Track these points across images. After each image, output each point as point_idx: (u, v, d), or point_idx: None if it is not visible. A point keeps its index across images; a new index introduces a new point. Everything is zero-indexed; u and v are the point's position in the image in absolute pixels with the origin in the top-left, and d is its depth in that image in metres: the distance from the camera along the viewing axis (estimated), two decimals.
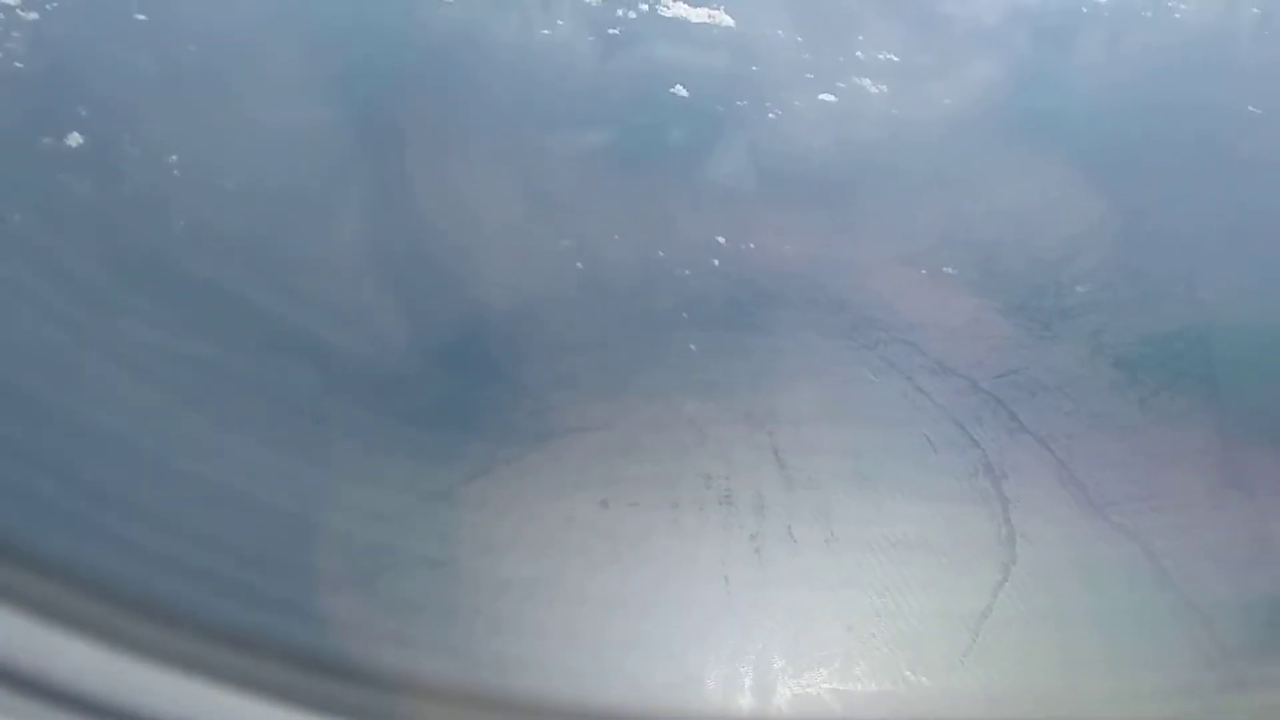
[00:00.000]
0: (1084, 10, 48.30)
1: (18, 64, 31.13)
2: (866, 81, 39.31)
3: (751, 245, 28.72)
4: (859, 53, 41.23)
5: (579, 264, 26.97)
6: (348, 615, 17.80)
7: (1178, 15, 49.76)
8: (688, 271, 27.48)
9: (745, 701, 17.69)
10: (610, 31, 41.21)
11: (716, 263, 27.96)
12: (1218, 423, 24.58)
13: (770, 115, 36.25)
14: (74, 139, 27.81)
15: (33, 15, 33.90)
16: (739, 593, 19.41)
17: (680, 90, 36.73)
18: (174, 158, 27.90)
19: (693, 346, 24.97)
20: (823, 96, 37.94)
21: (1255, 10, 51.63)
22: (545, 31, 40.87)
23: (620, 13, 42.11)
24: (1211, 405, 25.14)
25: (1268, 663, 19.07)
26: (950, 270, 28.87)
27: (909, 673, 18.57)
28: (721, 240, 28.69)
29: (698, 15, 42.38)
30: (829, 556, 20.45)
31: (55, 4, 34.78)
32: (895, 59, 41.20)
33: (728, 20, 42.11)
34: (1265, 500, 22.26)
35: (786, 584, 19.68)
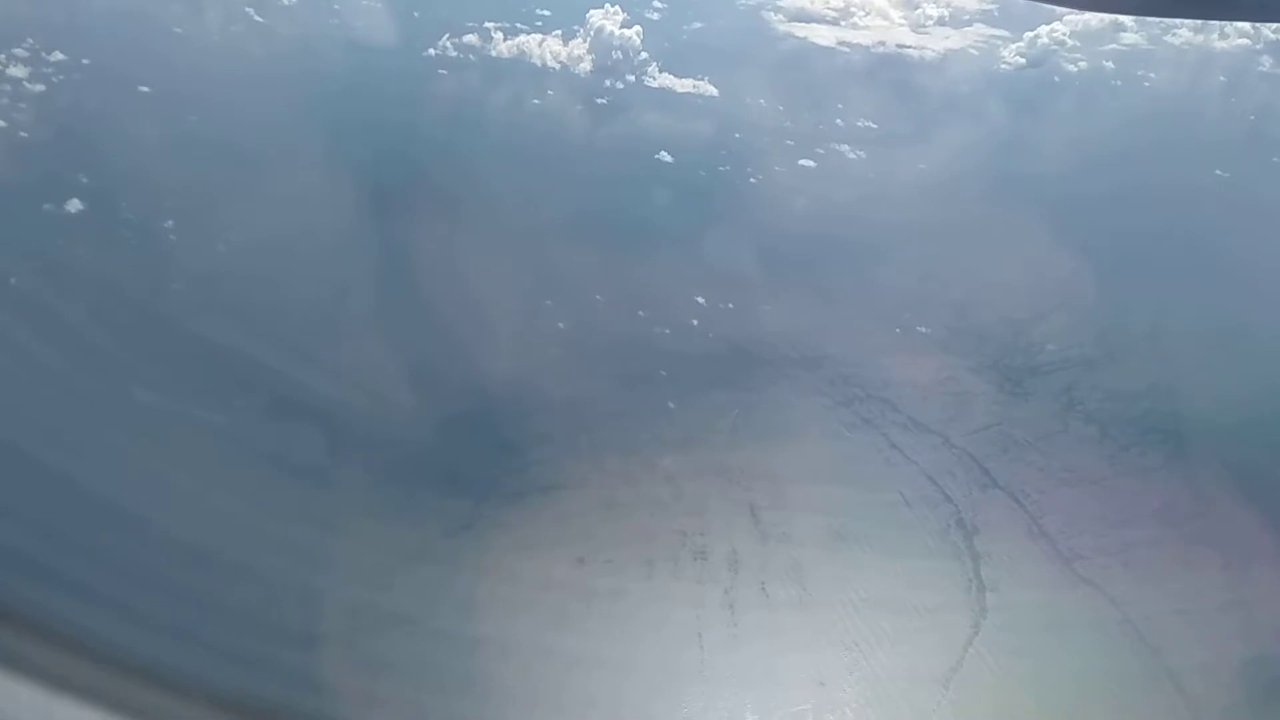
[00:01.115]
0: (1056, 79, 48.95)
1: (23, 134, 31.43)
2: (845, 148, 39.70)
3: (730, 305, 28.72)
4: (838, 120, 41.73)
5: (560, 324, 26.92)
6: (325, 674, 17.48)
7: (1147, 84, 50.37)
8: (667, 330, 27.45)
9: None
10: (598, 101, 41.74)
11: (695, 322, 27.95)
12: (1187, 479, 24.36)
13: (751, 180, 36.53)
14: (73, 205, 27.92)
15: (39, 87, 34.30)
16: (712, 650, 19.06)
17: (665, 156, 37.06)
18: (169, 223, 27.99)
19: (670, 404, 24.84)
20: (803, 162, 38.28)
21: (1221, 79, 52.30)
22: (536, 101, 41.43)
23: (608, 83, 42.67)
24: (1180, 461, 24.93)
25: None
26: (924, 329, 28.83)
27: None
28: (701, 300, 28.71)
29: (683, 85, 42.94)
30: (802, 613, 20.11)
31: (62, 77, 35.23)
32: (874, 126, 41.66)
33: (711, 90, 42.65)
34: (1234, 557, 21.92)
35: (759, 640, 19.34)
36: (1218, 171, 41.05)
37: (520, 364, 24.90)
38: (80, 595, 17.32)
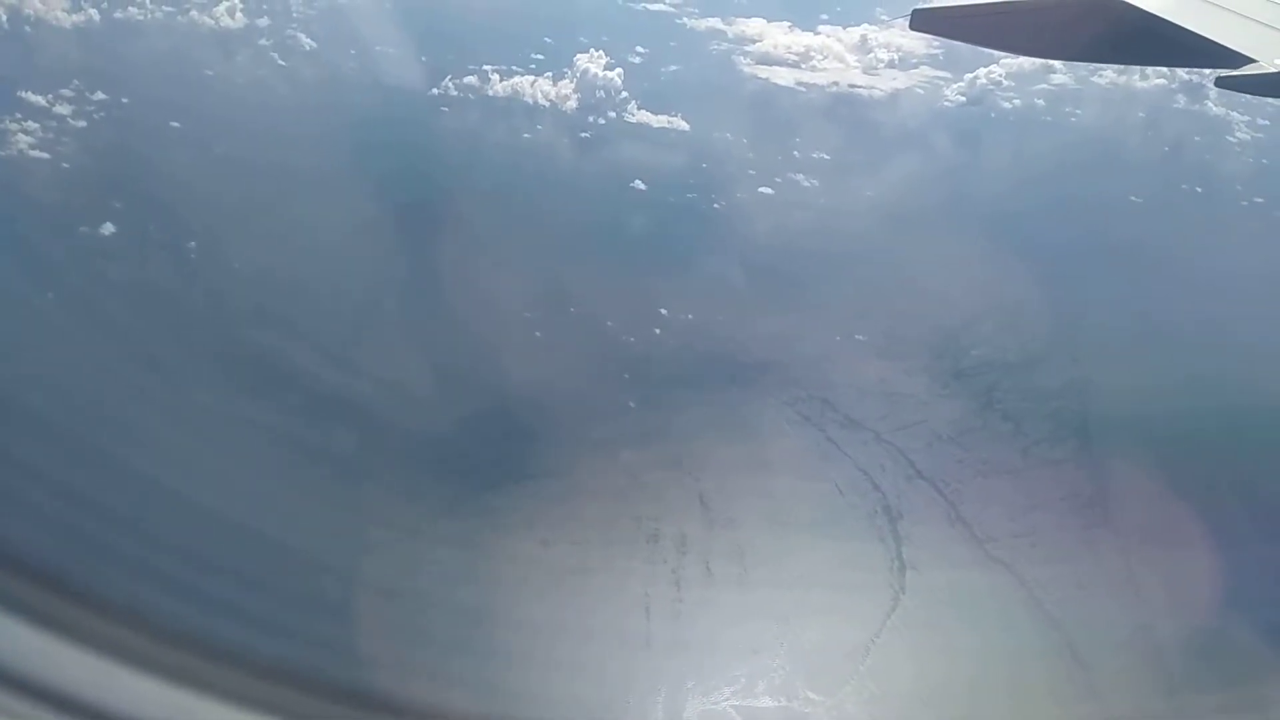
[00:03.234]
0: (993, 115, 49.06)
1: (65, 165, 31.57)
2: (800, 176, 39.77)
3: (690, 316, 28.82)
4: (795, 152, 41.77)
5: (538, 333, 27.02)
6: (318, 632, 17.54)
7: (1074, 120, 50.53)
8: (632, 339, 27.53)
9: (654, 715, 17.34)
10: (582, 135, 41.89)
11: (658, 331, 28.04)
12: (1092, 469, 24.48)
13: (715, 206, 36.63)
14: (107, 228, 28.05)
15: (82, 123, 34.45)
16: (658, 622, 19.15)
17: (639, 184, 37.15)
18: (193, 244, 28.13)
19: (631, 403, 24.92)
20: (762, 189, 38.37)
21: (1141, 114, 52.46)
22: (526, 135, 41.58)
23: (591, 119, 42.79)
24: (1086, 454, 25.03)
25: (1129, 691, 18.72)
26: (862, 338, 28.91)
27: (808, 692, 18.23)
28: (664, 312, 28.79)
29: (658, 121, 43.02)
30: (741, 589, 20.21)
31: (103, 114, 35.37)
32: (827, 157, 41.71)
33: (683, 125, 42.73)
34: (1131, 539, 22.03)
35: (701, 614, 19.43)
36: (1133, 197, 41.20)
37: (497, 369, 25.01)
38: (121, 565, 17.39)
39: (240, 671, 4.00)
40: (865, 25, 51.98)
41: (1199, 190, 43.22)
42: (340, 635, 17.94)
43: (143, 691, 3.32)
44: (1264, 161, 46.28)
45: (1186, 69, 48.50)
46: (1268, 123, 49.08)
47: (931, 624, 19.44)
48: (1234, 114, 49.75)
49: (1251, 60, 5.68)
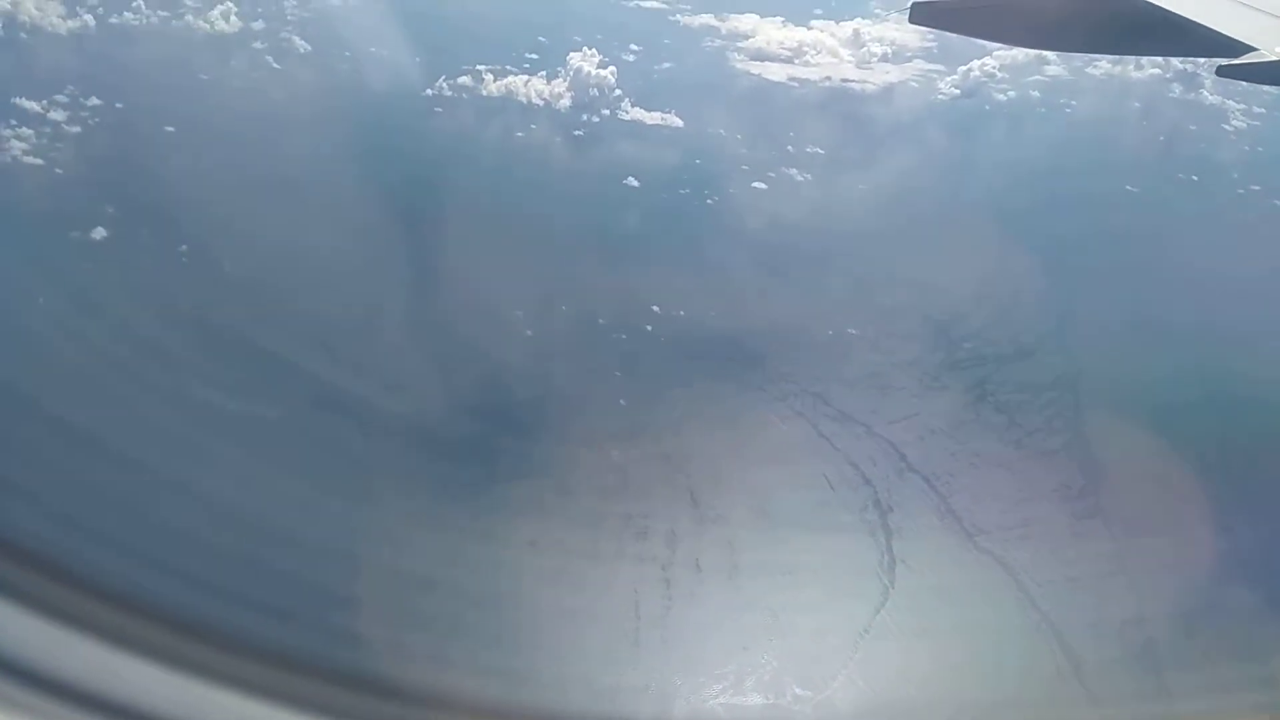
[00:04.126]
0: (987, 108, 48.73)
1: (58, 170, 31.52)
2: (794, 171, 39.56)
3: (682, 312, 28.65)
4: (789, 147, 41.57)
5: (529, 331, 26.89)
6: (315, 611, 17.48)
7: (1069, 110, 50.23)
8: (623, 335, 27.38)
9: (642, 711, 17.22)
10: (575, 133, 41.72)
11: (649, 328, 27.87)
12: (1083, 461, 24.28)
13: (708, 201, 36.43)
14: (99, 232, 27.99)
15: (76, 129, 34.41)
16: (647, 619, 19.01)
17: (632, 181, 36.99)
18: (184, 247, 28.04)
19: (622, 401, 24.78)
20: (755, 184, 38.14)
21: (1136, 104, 52.12)
22: (520, 134, 41.41)
23: (584, 117, 42.61)
24: (1079, 445, 24.86)
25: (1118, 683, 18.55)
26: (854, 331, 28.71)
27: (796, 687, 18.09)
28: (656, 309, 28.62)
29: (652, 118, 42.84)
30: (730, 584, 20.07)
31: (97, 120, 35.32)
32: (820, 152, 41.50)
33: (677, 121, 42.53)
34: (1122, 531, 21.86)
35: (690, 610, 19.29)
36: (1128, 186, 40.91)
37: (486, 366, 24.90)
38: (123, 552, 17.34)
39: (235, 656, 3.93)
40: (859, 19, 51.78)
41: (1195, 179, 42.85)
42: (327, 623, 17.87)
43: (144, 679, 3.28)
44: (1260, 150, 45.92)
45: (1184, 58, 48.22)
46: (1264, 110, 48.72)
47: (920, 618, 19.29)
48: (1230, 102, 49.37)
49: (1252, 49, 5.54)
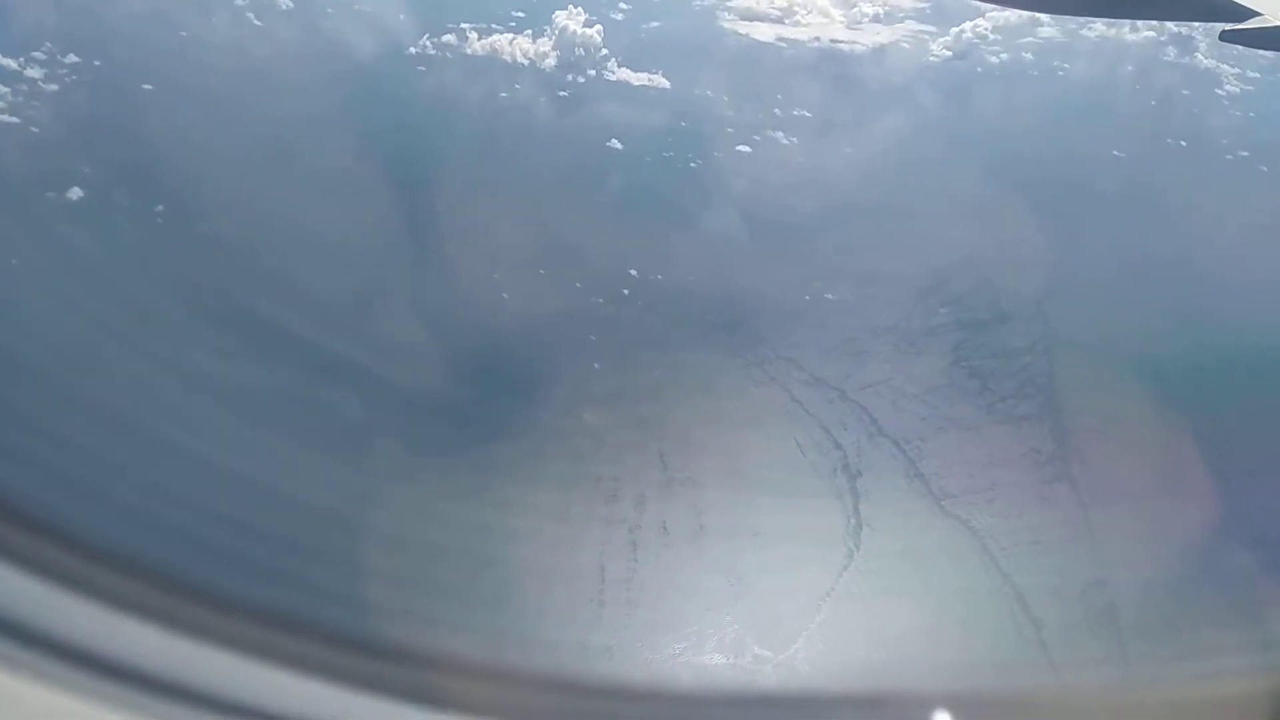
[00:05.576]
0: (979, 70, 48.28)
1: (34, 129, 31.30)
2: (780, 134, 39.32)
3: (659, 277, 28.66)
4: (776, 110, 41.27)
5: (505, 295, 26.91)
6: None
7: (1061, 74, 49.74)
8: (600, 300, 27.42)
9: (603, 671, 17.48)
10: (560, 93, 41.39)
11: (626, 292, 27.91)
12: (1053, 426, 24.46)
13: (691, 164, 36.26)
14: (74, 192, 27.88)
15: (53, 87, 34.10)
16: (612, 580, 19.28)
17: (615, 143, 36.78)
18: (160, 207, 27.96)
19: (596, 364, 24.87)
20: (740, 148, 37.96)
21: (1129, 68, 51.65)
22: (503, 94, 41.08)
23: (570, 77, 42.26)
24: (1049, 411, 25.00)
25: (1080, 646, 18.85)
26: (831, 296, 28.74)
27: (756, 648, 18.39)
28: (634, 273, 28.63)
29: (638, 79, 42.46)
30: (696, 547, 20.31)
31: (75, 77, 34.98)
32: (808, 115, 41.21)
33: (664, 83, 42.18)
34: (1088, 495, 22.08)
35: (655, 571, 19.56)
36: (1115, 151, 40.70)
37: (461, 328, 24.96)
38: (151, 524, 17.51)
39: (227, 614, 4.06)
40: None
41: (1183, 144, 42.63)
42: (299, 580, 18.07)
43: (142, 638, 3.38)
44: (1251, 115, 45.64)
45: (1179, 22, 47.67)
46: (1258, 75, 48.34)
47: (884, 581, 19.57)
48: (1224, 66, 48.98)
49: (1256, 14, 5.59)
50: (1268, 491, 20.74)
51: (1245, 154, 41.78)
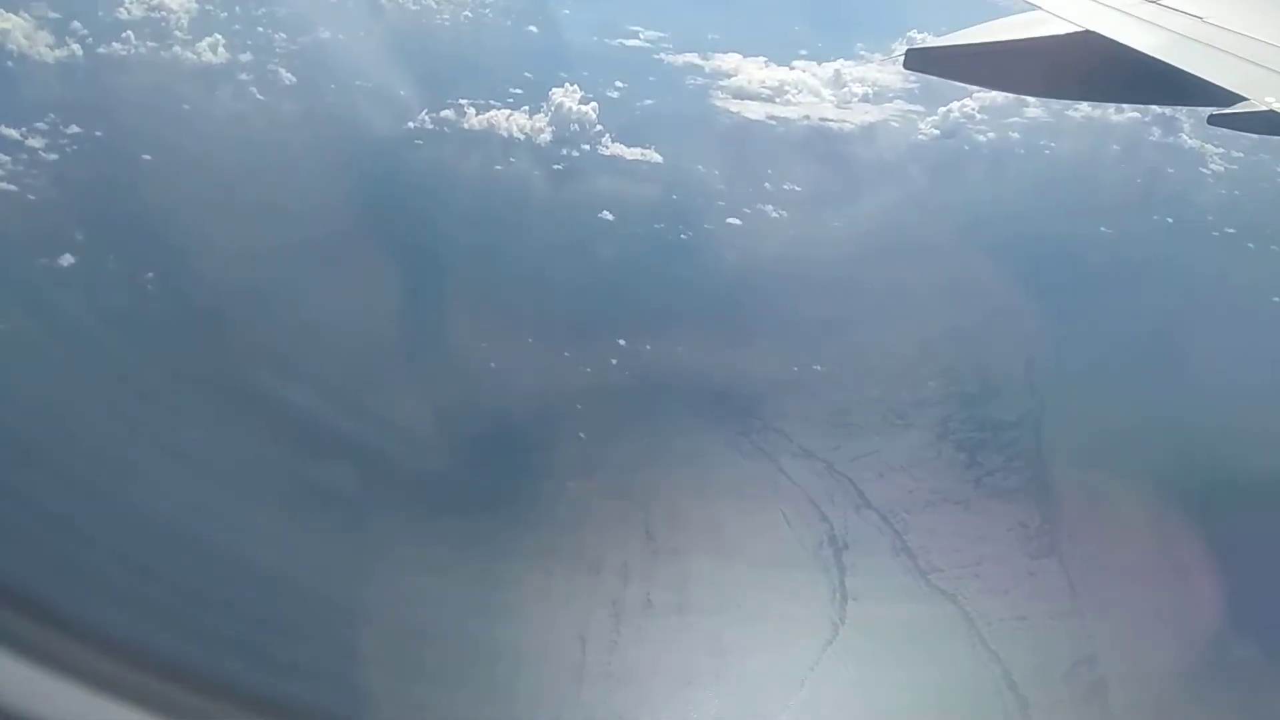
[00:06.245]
0: (966, 149, 49.28)
1: (30, 196, 31.76)
2: (769, 208, 39.92)
3: (648, 347, 28.76)
4: (766, 184, 41.96)
5: (492, 364, 26.98)
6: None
7: (1048, 153, 50.76)
8: (588, 369, 27.46)
9: None
10: (554, 167, 42.14)
11: (614, 361, 27.97)
12: (1041, 500, 24.30)
13: (682, 236, 36.73)
14: (66, 259, 28.14)
15: (53, 156, 34.71)
16: (593, 653, 18.92)
17: (607, 215, 37.29)
18: (150, 274, 28.19)
19: (581, 434, 24.79)
20: (730, 220, 38.50)
21: (1115, 147, 52.71)
22: (498, 167, 41.82)
23: (564, 151, 43.07)
24: (1037, 485, 24.87)
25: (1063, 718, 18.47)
26: (819, 368, 28.81)
27: None
28: (622, 342, 28.75)
29: (631, 153, 43.26)
30: (680, 621, 20.01)
31: (75, 147, 35.64)
32: (797, 189, 41.91)
33: (656, 157, 42.96)
34: (1076, 571, 21.84)
35: (637, 645, 19.22)
36: (1103, 228, 41.28)
37: (447, 398, 24.94)
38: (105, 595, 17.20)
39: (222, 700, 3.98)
40: (841, 60, 52.54)
41: (1170, 221, 43.27)
42: (276, 656, 17.75)
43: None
44: (1236, 193, 46.44)
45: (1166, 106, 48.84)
46: (1241, 155, 49.33)
47: (869, 656, 19.21)
48: (1209, 146, 50.00)
49: (1243, 98, 5.79)
50: (1258, 569, 20.50)
51: (1232, 231, 42.41)
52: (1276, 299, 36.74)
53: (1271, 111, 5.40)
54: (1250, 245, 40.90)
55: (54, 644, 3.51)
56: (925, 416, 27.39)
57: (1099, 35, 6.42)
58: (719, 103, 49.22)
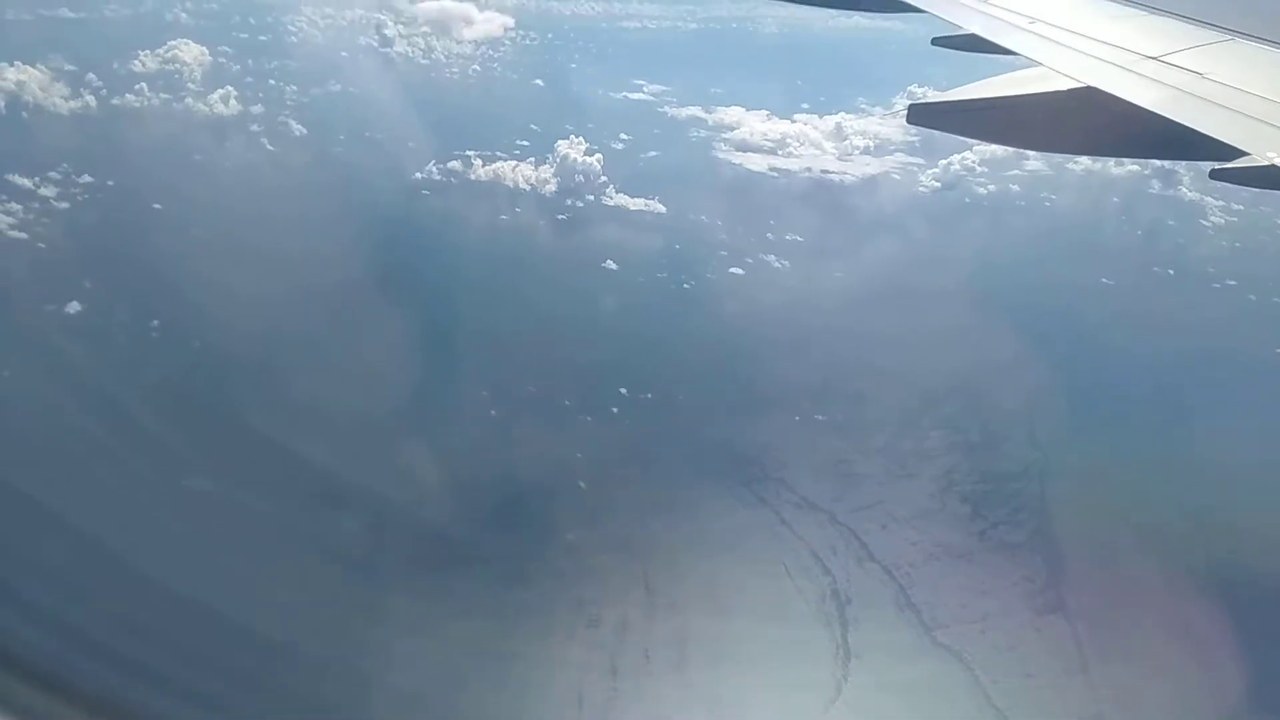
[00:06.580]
0: (967, 201, 49.58)
1: (40, 245, 32.01)
2: (772, 258, 40.07)
3: (649, 395, 28.64)
4: (769, 235, 42.17)
5: (493, 412, 26.86)
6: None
7: (1048, 205, 51.04)
8: (588, 418, 27.33)
9: None
10: (558, 217, 42.47)
11: (615, 410, 27.84)
12: (1046, 554, 23.91)
13: (685, 285, 36.81)
14: (73, 306, 28.25)
15: (65, 205, 35.06)
16: (590, 710, 18.51)
17: (610, 264, 37.44)
18: (155, 323, 28.26)
19: (581, 483, 24.58)
20: (732, 270, 38.63)
21: (1115, 200, 53.00)
22: (504, 217, 42.16)
23: (569, 202, 43.42)
24: (1042, 538, 24.50)
25: None
26: (821, 418, 28.63)
27: None
28: (624, 391, 28.64)
29: (635, 204, 43.61)
30: (679, 677, 19.58)
31: (86, 197, 36.03)
32: (800, 239, 42.09)
33: (660, 208, 43.30)
34: (1082, 627, 21.42)
35: (635, 703, 18.81)
36: (1103, 280, 41.25)
37: (449, 450, 24.76)
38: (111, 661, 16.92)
39: None
40: (842, 114, 53.20)
41: (1170, 273, 43.26)
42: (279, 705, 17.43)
43: None
44: (1236, 245, 46.46)
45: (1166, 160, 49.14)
46: (1241, 207, 49.44)
47: (872, 714, 18.74)
48: (1209, 199, 50.22)
49: (1244, 154, 5.81)
50: (1265, 625, 20.08)
51: (1233, 283, 42.32)
52: (1278, 350, 36.53)
53: (1273, 166, 5.38)
54: (1251, 297, 40.79)
55: (44, 696, 3.42)
56: (928, 467, 27.12)
57: (1101, 91, 6.43)
58: (722, 155, 49.83)
